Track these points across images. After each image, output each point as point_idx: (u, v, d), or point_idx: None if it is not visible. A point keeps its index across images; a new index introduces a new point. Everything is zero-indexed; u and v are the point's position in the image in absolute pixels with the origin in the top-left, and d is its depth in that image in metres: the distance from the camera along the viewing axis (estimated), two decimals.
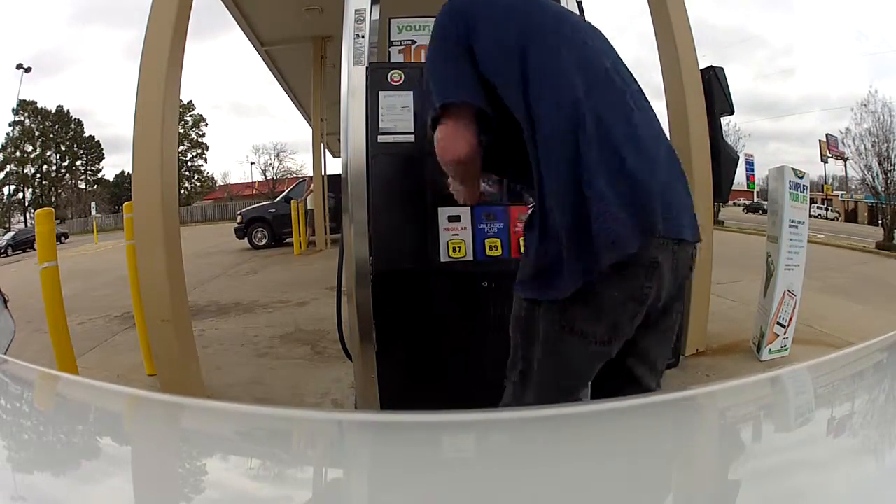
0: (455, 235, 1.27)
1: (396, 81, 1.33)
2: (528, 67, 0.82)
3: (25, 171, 43.15)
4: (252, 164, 56.52)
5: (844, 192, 26.07)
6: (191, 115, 46.61)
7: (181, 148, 41.61)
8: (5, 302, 2.11)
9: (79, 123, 46.18)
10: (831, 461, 0.23)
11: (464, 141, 0.83)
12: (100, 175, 47.08)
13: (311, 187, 11.01)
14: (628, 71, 0.92)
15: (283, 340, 3.55)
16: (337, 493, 0.24)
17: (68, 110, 45.49)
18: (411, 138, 1.30)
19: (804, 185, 2.70)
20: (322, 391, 2.60)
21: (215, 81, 74.80)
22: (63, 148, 45.05)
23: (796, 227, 2.65)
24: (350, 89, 1.33)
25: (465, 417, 0.30)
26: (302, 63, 8.54)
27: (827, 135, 25.11)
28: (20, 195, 42.84)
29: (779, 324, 2.61)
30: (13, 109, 42.87)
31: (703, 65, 2.78)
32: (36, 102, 44.07)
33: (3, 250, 21.87)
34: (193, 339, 2.66)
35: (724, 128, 3.11)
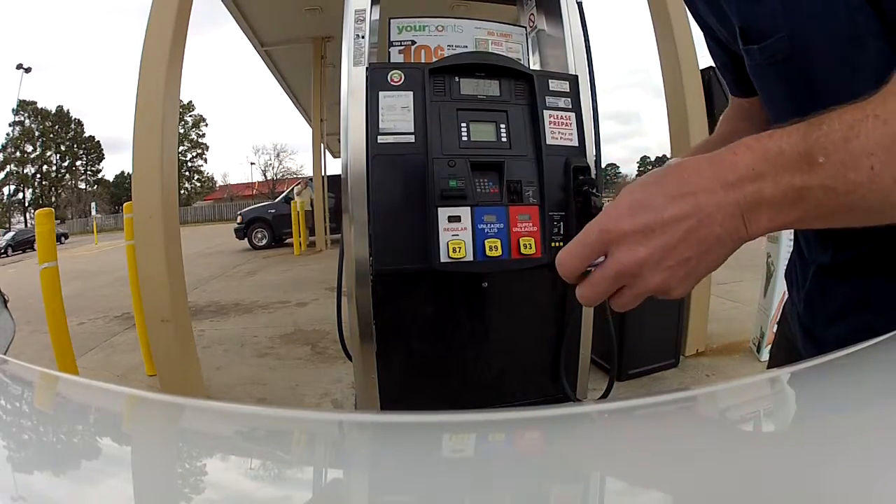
0: (455, 236, 1.27)
1: (396, 82, 1.33)
2: None
3: (25, 171, 43.17)
4: (252, 164, 56.74)
5: None
6: (191, 115, 46.68)
7: (181, 148, 41.69)
8: (5, 302, 2.11)
9: (79, 123, 46.26)
10: (832, 462, 0.23)
11: None
12: (100, 175, 47.17)
13: (299, 187, 10.91)
14: None
15: (284, 341, 3.55)
16: (337, 493, 0.24)
17: (68, 110, 45.56)
18: (411, 138, 1.30)
19: None
20: (322, 391, 2.60)
21: (216, 81, 74.88)
22: (63, 148, 45.08)
23: None
24: (350, 89, 1.33)
25: (465, 417, 0.30)
26: (302, 63, 8.54)
27: None
28: (20, 195, 42.86)
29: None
30: (13, 109, 42.86)
31: (703, 65, 2.79)
32: (36, 102, 44.14)
33: (3, 250, 21.87)
34: (193, 339, 2.67)
35: None
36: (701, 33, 0.69)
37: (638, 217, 0.37)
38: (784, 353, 0.67)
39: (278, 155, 45.88)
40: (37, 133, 43.94)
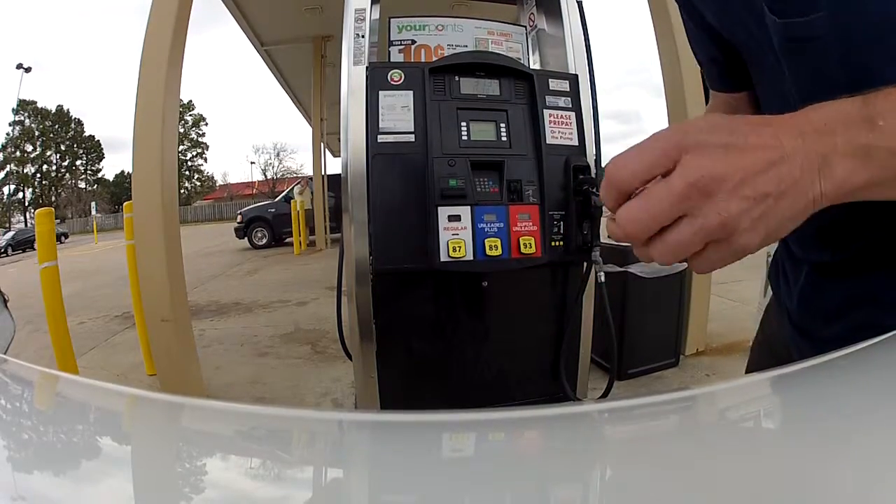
0: (455, 235, 1.27)
1: (396, 81, 1.33)
2: None
3: (25, 170, 43.17)
4: (252, 163, 56.82)
5: None
6: (191, 115, 46.69)
7: (181, 148, 41.68)
8: (5, 302, 2.11)
9: (79, 123, 46.25)
10: (831, 462, 0.23)
11: None
12: (100, 175, 47.18)
13: (299, 187, 10.92)
14: None
15: (284, 340, 3.55)
16: (337, 493, 0.24)
17: (68, 110, 45.54)
18: (411, 138, 1.30)
19: None
20: (322, 391, 2.60)
21: (216, 81, 74.89)
22: (63, 148, 45.08)
23: None
24: (350, 89, 1.33)
25: (464, 417, 0.30)
26: (302, 63, 8.54)
27: None
28: (20, 195, 42.86)
29: None
30: (13, 109, 42.85)
31: None
32: (36, 102, 44.13)
33: (3, 250, 21.88)
34: (193, 339, 2.67)
35: None
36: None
37: (717, 134, 0.34)
38: (767, 352, 0.67)
39: (278, 154, 46.02)
40: (37, 132, 43.93)
